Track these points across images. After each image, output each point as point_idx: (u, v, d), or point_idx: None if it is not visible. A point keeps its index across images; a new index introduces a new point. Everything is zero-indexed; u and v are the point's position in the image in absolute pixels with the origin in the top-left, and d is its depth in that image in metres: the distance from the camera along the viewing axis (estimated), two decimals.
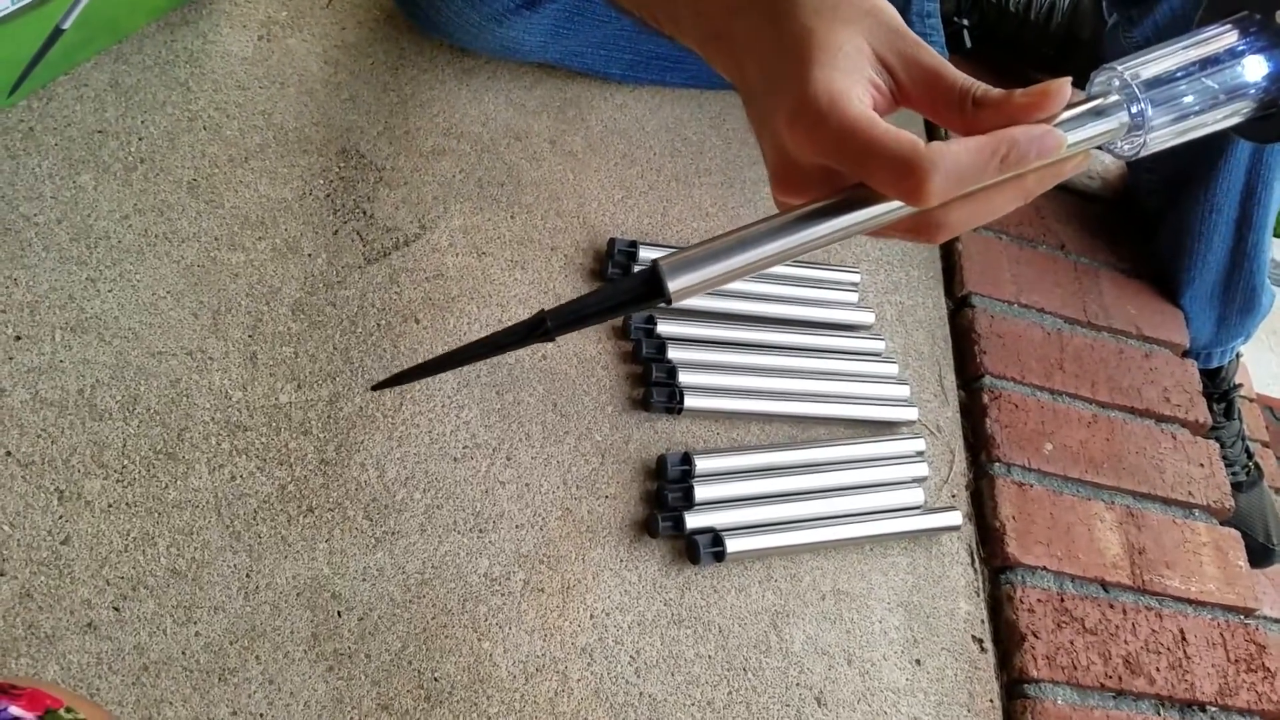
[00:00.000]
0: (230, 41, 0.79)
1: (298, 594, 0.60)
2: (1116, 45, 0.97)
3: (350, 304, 0.71)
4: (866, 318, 0.88)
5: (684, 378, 0.76)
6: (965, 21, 1.06)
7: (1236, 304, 1.04)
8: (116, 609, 0.57)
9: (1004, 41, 1.09)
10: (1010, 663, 0.76)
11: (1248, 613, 0.87)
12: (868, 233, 0.44)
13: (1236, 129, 0.49)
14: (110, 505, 0.59)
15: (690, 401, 0.75)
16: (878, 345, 0.86)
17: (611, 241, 0.81)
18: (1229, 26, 0.48)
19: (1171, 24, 0.90)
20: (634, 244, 0.80)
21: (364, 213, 0.75)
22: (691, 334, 0.79)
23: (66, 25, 0.68)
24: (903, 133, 0.40)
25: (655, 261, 0.43)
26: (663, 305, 0.43)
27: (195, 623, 0.58)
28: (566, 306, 0.44)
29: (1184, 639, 0.82)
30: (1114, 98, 0.45)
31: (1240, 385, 1.12)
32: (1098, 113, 0.45)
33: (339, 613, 0.60)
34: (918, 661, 0.73)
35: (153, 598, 0.58)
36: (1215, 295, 1.03)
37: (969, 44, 1.06)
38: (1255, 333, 1.09)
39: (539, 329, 0.44)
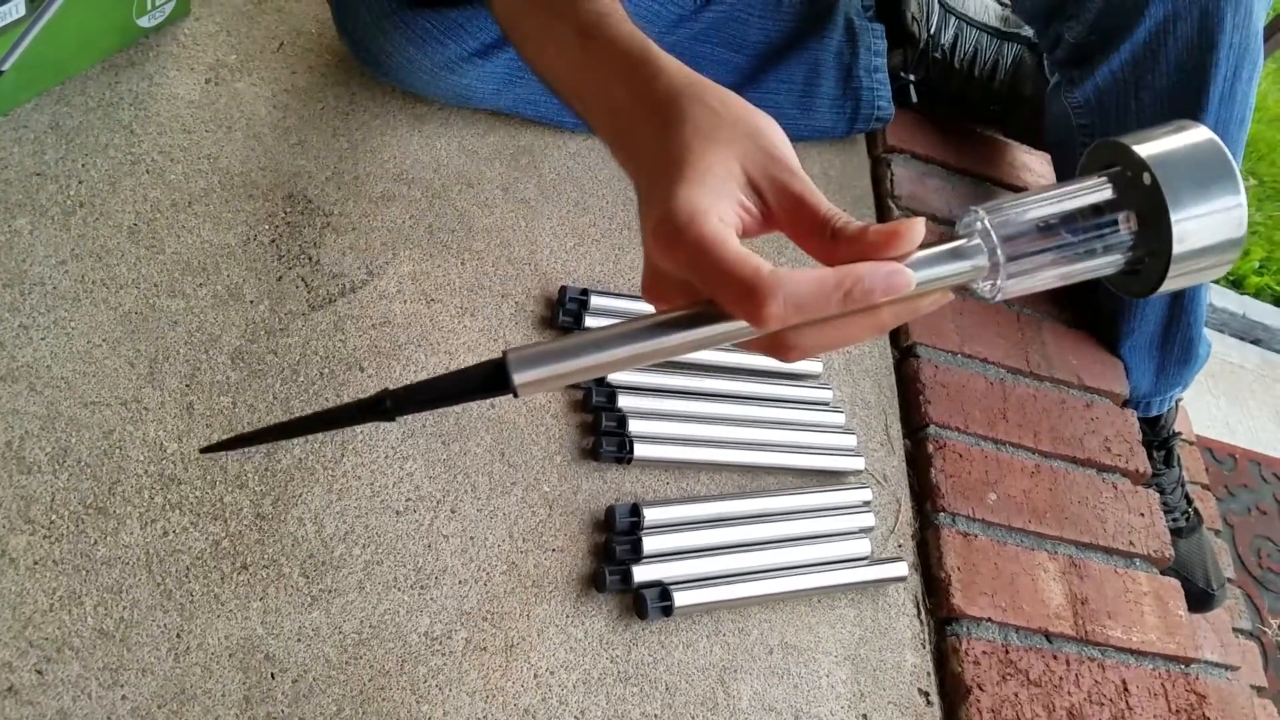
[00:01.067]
0: (177, 84, 0.78)
1: (230, 655, 0.58)
2: (1058, 105, 0.99)
3: (292, 352, 0.70)
4: (814, 367, 0.88)
5: (634, 426, 0.76)
6: (912, 77, 1.08)
7: (1175, 355, 1.06)
8: (40, 672, 0.55)
9: (950, 97, 1.11)
10: (956, 716, 0.76)
11: (1188, 662, 0.88)
12: (728, 343, 0.45)
13: (1107, 281, 0.49)
14: (36, 562, 0.57)
15: (640, 451, 0.75)
16: (825, 394, 0.87)
17: (563, 289, 0.81)
18: (1103, 180, 0.47)
19: (1111, 86, 0.92)
20: (586, 292, 0.80)
21: (309, 259, 0.74)
22: (642, 382, 0.79)
23: (6, 67, 0.67)
24: (750, 257, 0.41)
25: (505, 352, 0.42)
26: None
27: (122, 685, 0.56)
28: (410, 389, 0.44)
29: (1126, 690, 0.83)
30: (975, 241, 0.45)
31: (1179, 433, 1.14)
32: (955, 254, 0.45)
33: (272, 674, 0.59)
34: (864, 716, 0.73)
35: (78, 660, 0.56)
36: (1154, 346, 1.05)
37: (915, 99, 1.08)
38: (1193, 381, 1.12)
39: (378, 408, 0.43)
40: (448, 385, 0.44)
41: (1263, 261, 2.64)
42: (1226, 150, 0.45)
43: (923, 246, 0.44)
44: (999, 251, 0.45)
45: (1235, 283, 2.58)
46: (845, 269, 0.42)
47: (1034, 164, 1.20)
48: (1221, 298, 2.47)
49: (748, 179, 0.46)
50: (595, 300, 0.80)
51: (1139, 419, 1.07)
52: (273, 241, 0.74)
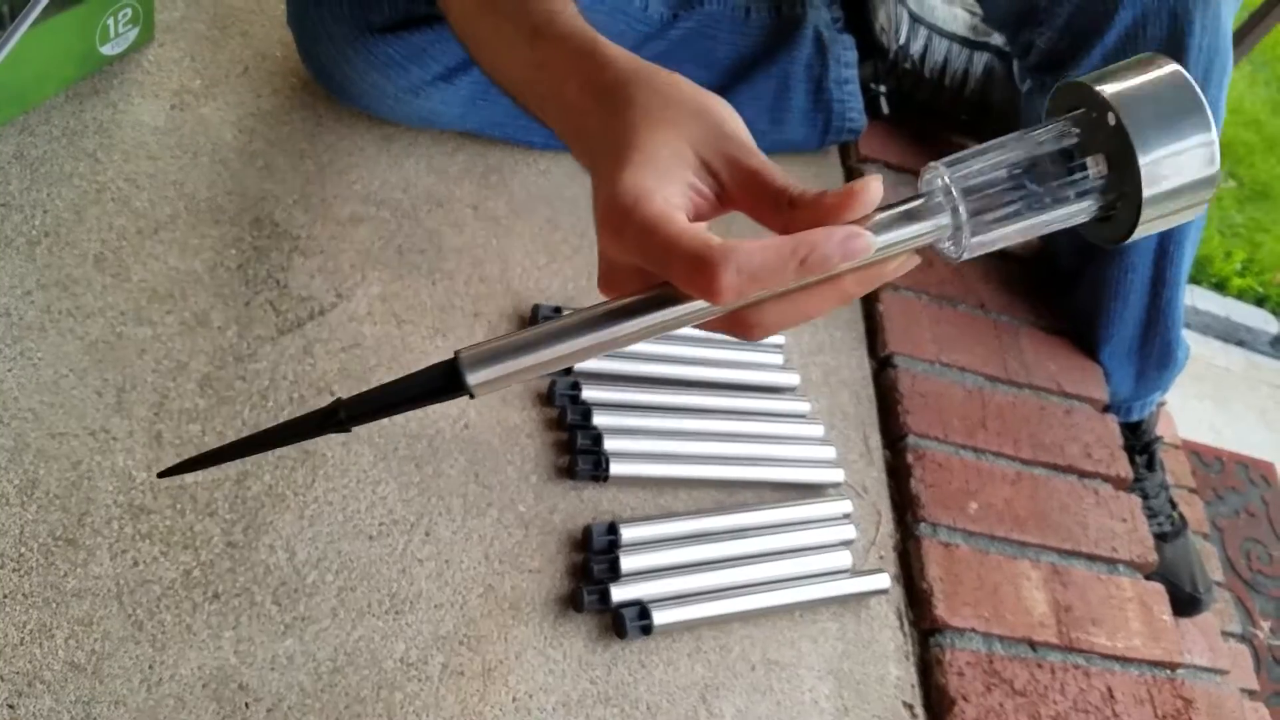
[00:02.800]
0: (141, 111, 0.78)
1: (203, 685, 0.58)
2: (1032, 111, 0.99)
3: (261, 377, 0.69)
4: (792, 379, 0.88)
5: (610, 444, 0.75)
6: (882, 88, 1.08)
7: (1154, 359, 1.06)
8: (11, 706, 0.54)
9: (920, 107, 1.12)
10: None
11: (1173, 667, 0.87)
12: (687, 325, 0.44)
13: (1081, 229, 0.47)
14: (5, 596, 0.57)
15: (616, 468, 0.75)
16: (803, 407, 0.86)
17: (536, 307, 0.80)
18: (1066, 123, 0.45)
19: None
20: (558, 309, 0.80)
21: (277, 283, 0.74)
22: (617, 399, 0.79)
23: None
24: (698, 230, 0.40)
25: (456, 353, 0.41)
26: (467, 398, 0.42)
27: (95, 718, 0.55)
28: (362, 396, 0.43)
29: (1112, 697, 0.82)
30: (936, 199, 0.44)
31: (1161, 437, 1.14)
32: (913, 215, 0.43)
33: (246, 704, 0.58)
34: None
35: (50, 693, 0.55)
36: (1133, 351, 1.05)
37: (886, 109, 1.08)
38: (1173, 384, 1.12)
39: (332, 419, 0.42)
40: (401, 390, 0.42)
41: (1244, 263, 2.65)
42: (1195, 85, 0.43)
43: (884, 208, 0.43)
44: (961, 208, 0.43)
45: (1218, 285, 2.60)
46: (798, 236, 0.40)
47: None
48: (1204, 300, 2.48)
49: (699, 160, 0.45)
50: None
51: (1120, 424, 1.07)
52: (240, 266, 0.74)
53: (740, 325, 0.44)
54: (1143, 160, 0.42)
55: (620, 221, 0.42)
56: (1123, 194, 0.44)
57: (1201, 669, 1.06)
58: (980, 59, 1.12)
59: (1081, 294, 1.04)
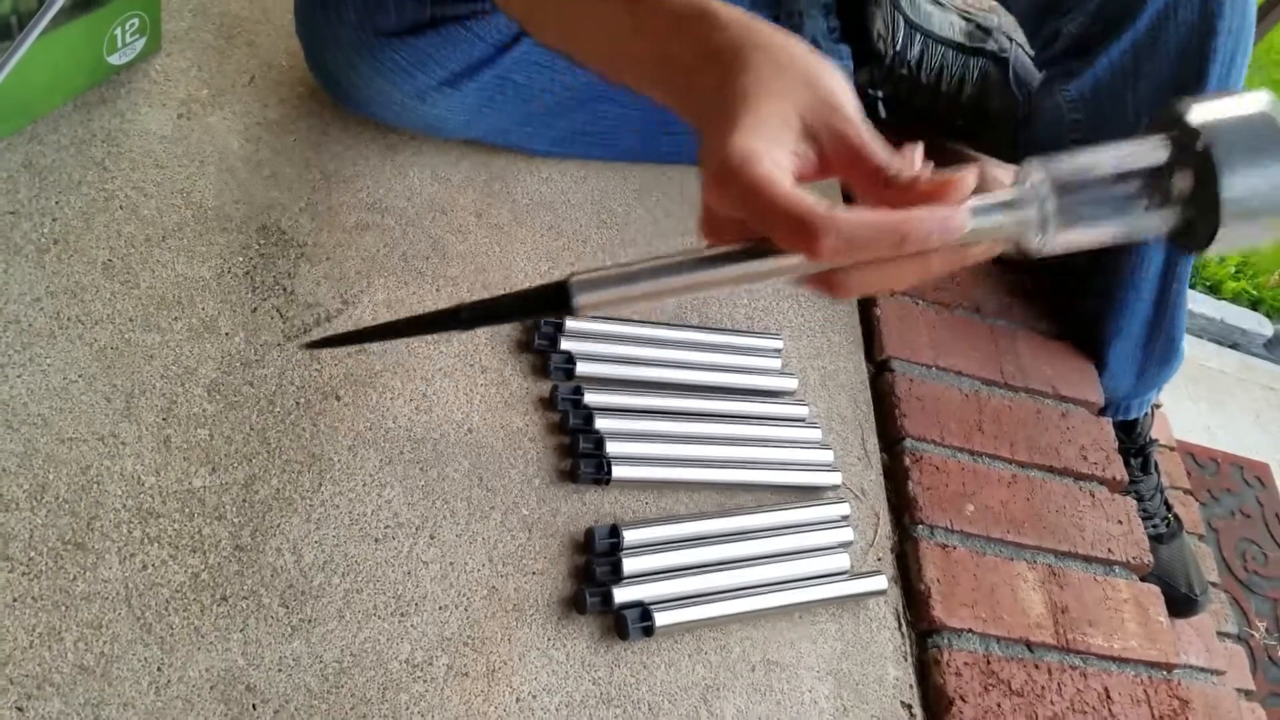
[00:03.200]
0: (149, 120, 0.79)
1: (211, 687, 0.58)
2: (1050, 101, 1.00)
3: (268, 383, 0.70)
4: (790, 383, 0.89)
5: (611, 447, 0.76)
6: (879, 93, 1.09)
7: (1157, 354, 1.07)
8: (20, 709, 0.55)
9: (917, 112, 1.13)
10: None
11: (1169, 668, 0.88)
12: (781, 279, 0.47)
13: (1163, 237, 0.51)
14: (15, 600, 0.57)
15: (618, 471, 0.76)
16: (802, 410, 0.87)
17: None
18: (1159, 141, 0.48)
19: (1110, 78, 0.93)
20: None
21: (284, 289, 0.75)
22: (619, 403, 0.80)
23: None
24: (802, 194, 0.43)
25: (571, 274, 0.47)
26: (570, 316, 0.48)
27: None
28: (483, 302, 0.49)
29: (1109, 697, 0.83)
30: (1028, 192, 0.46)
31: (1156, 440, 1.15)
32: (1007, 205, 0.46)
33: (254, 705, 0.59)
34: None
35: (59, 696, 0.56)
36: (1139, 345, 1.06)
37: (883, 114, 1.09)
38: (1167, 385, 1.13)
39: (455, 318, 0.49)
40: (517, 301, 0.49)
41: (1239, 267, 2.67)
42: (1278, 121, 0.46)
43: (978, 196, 0.46)
44: (1051, 204, 0.46)
45: (1213, 288, 2.61)
46: (903, 214, 0.43)
47: (1004, 176, 1.21)
48: (1199, 303, 2.50)
49: (804, 127, 0.47)
50: (571, 323, 0.81)
51: (1117, 424, 1.08)
52: (247, 274, 0.74)
53: (829, 284, 0.47)
54: (1224, 185, 0.45)
55: (727, 179, 0.45)
56: (1201, 213, 0.46)
57: (1198, 669, 1.08)
58: (976, 65, 1.13)
59: (1093, 289, 1.05)
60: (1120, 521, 0.96)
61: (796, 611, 0.77)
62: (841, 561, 0.79)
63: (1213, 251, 0.48)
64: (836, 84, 0.49)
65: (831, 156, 0.48)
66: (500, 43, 0.82)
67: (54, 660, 0.56)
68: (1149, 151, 0.48)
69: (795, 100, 0.47)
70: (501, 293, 0.49)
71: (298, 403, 0.70)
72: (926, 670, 0.80)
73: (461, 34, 0.80)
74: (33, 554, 0.59)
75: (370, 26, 0.77)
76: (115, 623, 0.58)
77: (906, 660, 0.79)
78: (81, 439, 0.63)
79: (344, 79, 0.80)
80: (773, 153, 0.45)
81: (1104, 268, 1.02)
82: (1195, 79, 0.88)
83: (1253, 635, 1.86)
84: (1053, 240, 0.47)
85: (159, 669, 0.58)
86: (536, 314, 0.49)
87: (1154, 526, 1.12)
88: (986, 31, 1.14)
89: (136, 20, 0.77)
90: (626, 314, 0.47)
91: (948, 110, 1.13)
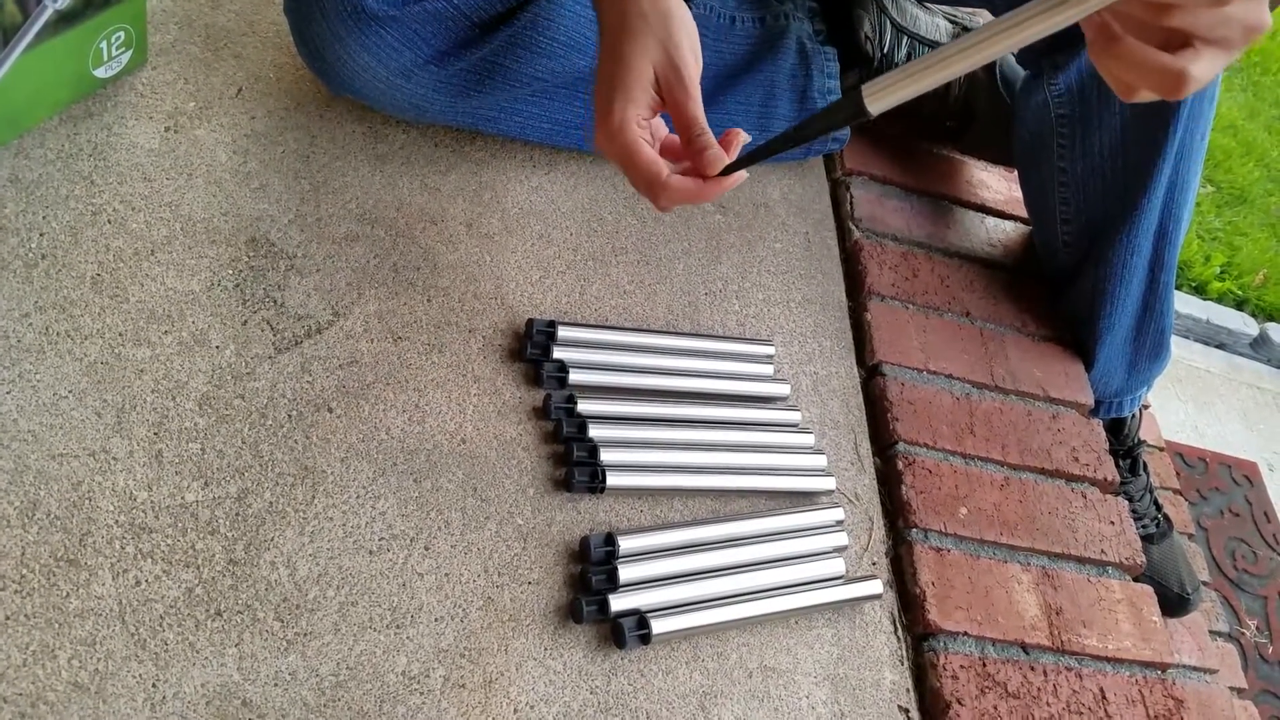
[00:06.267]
0: (136, 133, 0.78)
1: (207, 703, 0.58)
2: (1038, 96, 1.00)
3: (260, 396, 0.70)
4: (782, 389, 0.89)
5: (605, 456, 0.76)
6: None
7: (1147, 349, 1.07)
8: None
9: (905, 114, 1.13)
10: None
11: (1164, 667, 0.89)
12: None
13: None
14: (8, 617, 0.57)
15: (612, 480, 0.75)
16: (794, 416, 0.88)
17: (530, 322, 0.81)
18: None
19: (1095, 71, 0.93)
20: (552, 323, 0.81)
21: (274, 301, 0.75)
22: (612, 411, 0.79)
23: None
24: (657, 159, 0.66)
25: (859, 86, 0.60)
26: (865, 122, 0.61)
27: None
28: (784, 133, 0.65)
29: (1104, 698, 0.84)
30: None
31: (1144, 441, 1.16)
32: None
33: None
34: None
35: (53, 714, 0.55)
36: (1129, 340, 1.07)
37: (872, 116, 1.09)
38: (1156, 383, 1.13)
39: (859, 108, 0.60)
40: (819, 120, 0.63)
41: (1224, 267, 2.69)
42: None
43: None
44: None
45: (1198, 289, 2.63)
46: (703, 184, 0.67)
47: (991, 181, 1.22)
48: (1185, 304, 2.51)
49: (655, 82, 0.67)
50: (563, 332, 0.81)
51: (1106, 424, 1.08)
52: (237, 286, 0.74)
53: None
54: None
55: (610, 137, 0.66)
56: None
57: (1191, 669, 1.08)
58: None
59: (1080, 285, 1.05)
60: (1113, 522, 0.97)
61: (793, 617, 0.77)
62: (837, 566, 0.79)
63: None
64: (683, 46, 0.66)
65: (666, 105, 0.67)
66: (488, 24, 0.82)
67: (48, 678, 0.56)
68: None
69: (650, 60, 0.66)
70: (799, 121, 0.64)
71: (290, 415, 0.70)
72: (923, 674, 0.80)
73: (449, 12, 0.79)
74: (25, 571, 0.58)
75: (357, 1, 0.76)
76: (109, 639, 0.58)
77: (903, 664, 0.80)
78: (72, 455, 0.63)
79: (329, 53, 0.78)
80: (638, 113, 0.66)
81: (1093, 259, 1.03)
82: None
83: (1243, 633, 1.87)
84: None
85: (154, 685, 0.58)
86: (840, 124, 0.64)
87: (1144, 527, 1.13)
88: None
89: (122, 33, 0.77)
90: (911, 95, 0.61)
91: (936, 111, 1.14)
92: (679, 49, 0.66)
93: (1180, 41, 0.55)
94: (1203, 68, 0.55)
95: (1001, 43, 0.56)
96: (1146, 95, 0.58)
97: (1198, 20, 0.54)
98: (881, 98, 0.59)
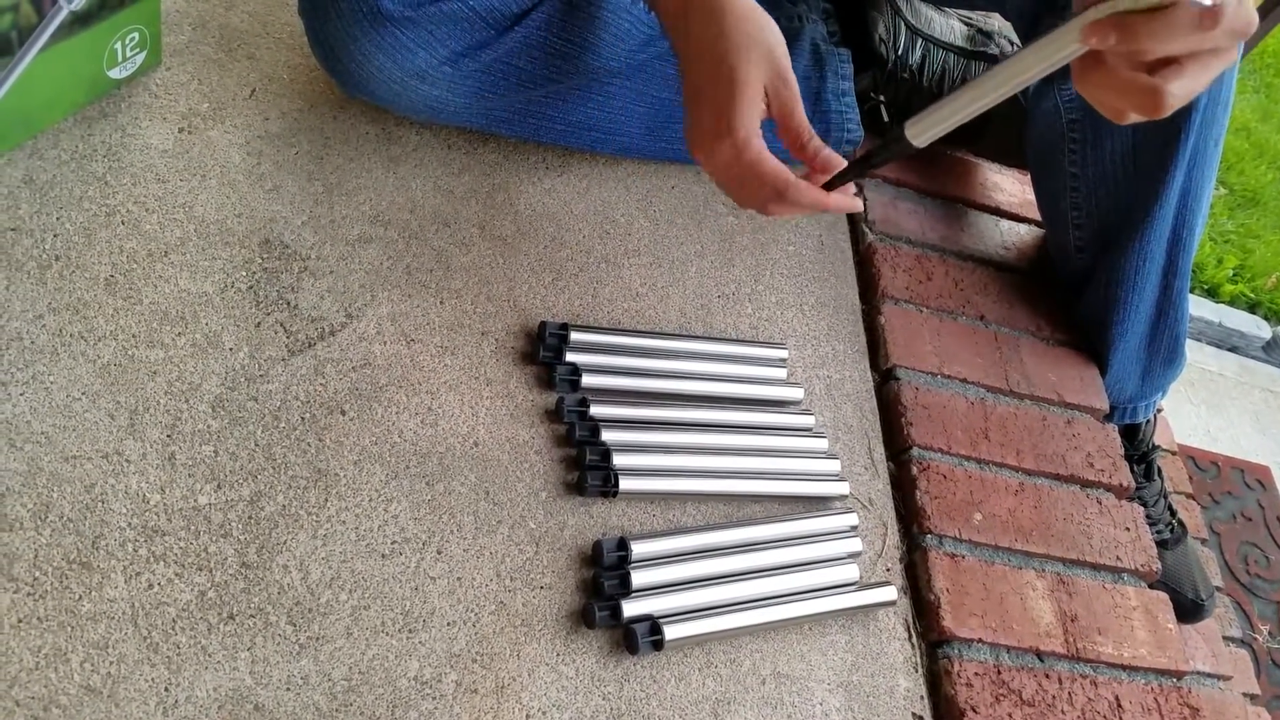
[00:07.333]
0: (150, 134, 0.78)
1: (219, 706, 0.58)
2: (1049, 102, 0.99)
3: (273, 398, 0.70)
4: (796, 393, 0.88)
5: (618, 460, 0.76)
6: (881, 98, 1.09)
7: (1161, 355, 1.06)
8: None
9: None
10: None
11: (1180, 675, 0.88)
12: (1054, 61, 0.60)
13: None
14: (20, 620, 0.57)
15: (625, 484, 0.75)
16: (808, 420, 0.87)
17: (543, 324, 0.81)
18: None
19: None
20: (565, 326, 0.81)
21: (288, 304, 0.74)
22: (624, 415, 0.79)
23: None
24: (783, 167, 0.69)
25: (903, 123, 0.67)
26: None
27: None
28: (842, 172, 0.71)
29: (1119, 706, 0.83)
30: None
31: (1159, 446, 1.15)
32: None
33: None
34: None
35: (66, 717, 0.55)
36: (1143, 346, 1.06)
37: (887, 117, 1.09)
38: (1170, 389, 1.12)
39: (900, 141, 0.67)
40: (866, 158, 0.69)
41: (1236, 270, 2.67)
42: None
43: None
44: None
45: (1210, 292, 2.61)
46: (825, 195, 0.71)
47: (1005, 183, 1.21)
48: (1198, 307, 2.50)
49: (765, 94, 0.69)
50: (575, 335, 0.80)
51: (1120, 429, 1.07)
52: (250, 288, 0.74)
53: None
54: None
55: (736, 154, 0.68)
56: None
57: (1205, 675, 1.07)
58: (977, 69, 1.13)
59: (1093, 291, 1.05)
60: (1128, 528, 0.96)
61: (806, 623, 0.76)
62: (850, 572, 0.79)
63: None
64: (784, 58, 0.68)
65: (774, 114, 0.69)
66: (503, 25, 0.81)
67: (60, 681, 0.56)
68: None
69: (762, 74, 0.67)
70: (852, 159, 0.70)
71: (303, 418, 0.70)
72: (937, 681, 0.79)
73: (465, 13, 0.79)
74: (37, 574, 0.58)
75: (373, 1, 0.76)
76: (121, 643, 0.58)
77: (917, 671, 0.79)
78: (85, 457, 0.63)
79: (344, 54, 0.78)
80: (756, 127, 0.67)
81: (1106, 266, 1.02)
82: None
83: (1256, 639, 1.86)
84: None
85: (166, 689, 0.57)
86: (895, 159, 0.75)
87: (1158, 532, 1.12)
88: (988, 35, 1.14)
89: (136, 34, 0.77)
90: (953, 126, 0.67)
91: None
92: (785, 58, 0.68)
93: (1167, 62, 0.56)
94: (1184, 84, 0.56)
95: (1034, 69, 0.61)
96: (1135, 117, 0.58)
97: (1185, 45, 0.55)
98: (923, 131, 0.66)
